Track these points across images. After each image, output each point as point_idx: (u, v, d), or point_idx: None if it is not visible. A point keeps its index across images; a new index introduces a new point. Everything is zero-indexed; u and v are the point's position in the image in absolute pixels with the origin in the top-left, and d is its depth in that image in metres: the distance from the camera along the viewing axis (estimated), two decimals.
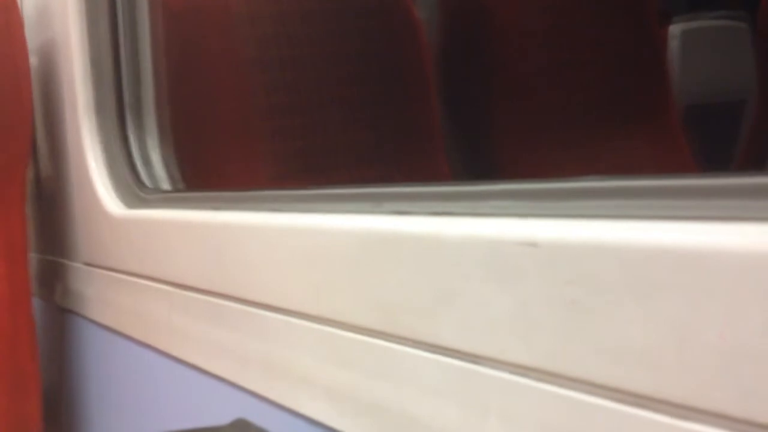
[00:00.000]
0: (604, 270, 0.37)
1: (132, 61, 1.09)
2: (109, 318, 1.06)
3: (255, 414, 0.68)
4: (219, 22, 1.13)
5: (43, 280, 1.33)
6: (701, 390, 0.33)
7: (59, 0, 1.14)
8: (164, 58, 1.11)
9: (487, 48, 1.19)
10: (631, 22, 1.29)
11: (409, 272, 0.50)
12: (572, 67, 1.23)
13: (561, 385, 0.39)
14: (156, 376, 0.93)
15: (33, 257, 1.34)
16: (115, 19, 1.08)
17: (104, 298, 1.07)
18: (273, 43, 1.10)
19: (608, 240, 0.37)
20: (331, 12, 1.13)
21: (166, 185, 1.06)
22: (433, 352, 0.48)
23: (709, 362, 0.32)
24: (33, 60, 1.24)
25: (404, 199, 0.55)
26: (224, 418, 0.63)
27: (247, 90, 1.10)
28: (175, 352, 0.86)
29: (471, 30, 1.20)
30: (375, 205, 0.57)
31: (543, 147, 1.18)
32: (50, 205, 1.29)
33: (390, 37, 1.17)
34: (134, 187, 1.03)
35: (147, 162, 1.07)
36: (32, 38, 1.23)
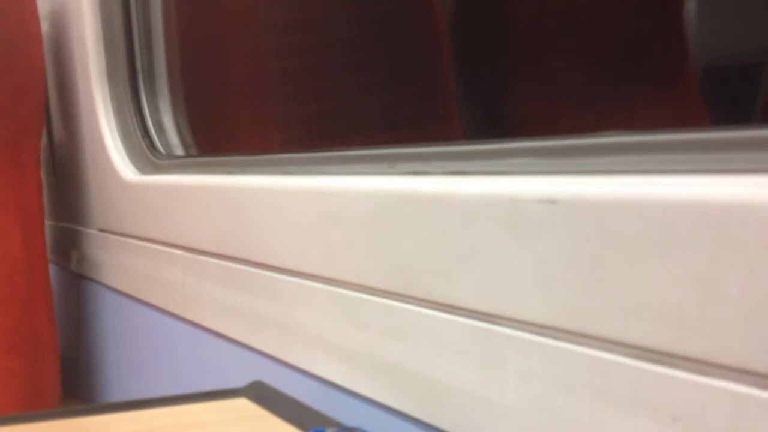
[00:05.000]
0: (624, 225, 0.36)
1: (144, 25, 1.08)
2: (125, 283, 1.06)
3: (271, 376, 0.69)
4: None
5: (58, 248, 1.33)
6: (724, 345, 0.32)
7: None
8: (176, 22, 1.10)
9: (500, 9, 1.18)
10: None
11: (425, 233, 0.50)
12: (587, 29, 1.21)
13: (580, 344, 0.39)
14: (172, 340, 0.93)
15: (48, 225, 1.34)
16: None
17: (119, 264, 1.07)
18: (284, 6, 1.09)
19: (628, 195, 0.36)
20: None
21: (179, 150, 1.06)
22: (450, 312, 0.48)
23: (731, 317, 0.32)
24: (44, 26, 1.23)
25: (419, 159, 0.54)
26: (240, 381, 0.63)
27: (259, 54, 1.09)
28: (190, 317, 0.87)
29: None
30: (389, 165, 0.57)
31: (557, 110, 1.17)
32: (64, 172, 1.29)
33: None
34: (147, 152, 1.03)
35: (160, 127, 1.06)
36: (43, 4, 1.23)
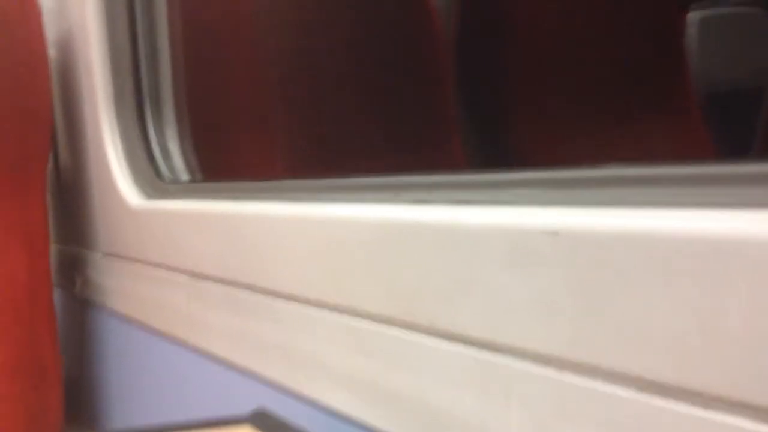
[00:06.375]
0: (625, 258, 0.37)
1: (150, 52, 1.09)
2: (129, 308, 1.06)
3: (275, 404, 0.69)
4: (236, 12, 1.13)
5: (63, 271, 1.34)
6: (725, 379, 0.32)
7: None
8: (182, 49, 1.11)
9: (503, 34, 1.19)
10: (649, 8, 1.28)
11: (428, 261, 0.50)
12: (589, 55, 1.22)
13: (582, 374, 0.39)
14: (176, 366, 0.93)
15: (53, 248, 1.35)
16: (132, 10, 1.09)
17: (124, 289, 1.08)
18: (289, 33, 1.10)
19: (630, 228, 0.37)
20: (346, 0, 1.13)
21: (184, 176, 1.06)
22: (453, 341, 0.48)
23: (733, 350, 0.32)
24: (51, 52, 1.24)
25: (423, 188, 0.55)
26: (244, 408, 0.63)
27: (264, 80, 1.10)
28: (194, 342, 0.87)
29: (486, 16, 1.20)
30: (394, 194, 0.57)
31: (559, 135, 1.17)
32: (70, 196, 1.30)
33: (405, 24, 1.16)
34: (153, 177, 1.04)
35: (165, 153, 1.07)
36: (51, 30, 1.24)
